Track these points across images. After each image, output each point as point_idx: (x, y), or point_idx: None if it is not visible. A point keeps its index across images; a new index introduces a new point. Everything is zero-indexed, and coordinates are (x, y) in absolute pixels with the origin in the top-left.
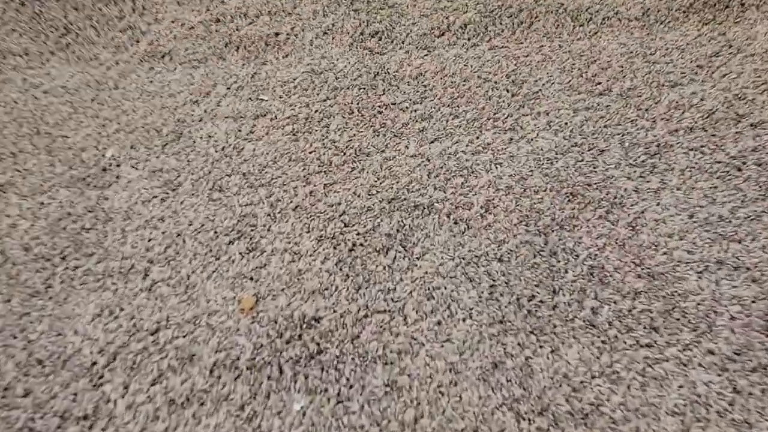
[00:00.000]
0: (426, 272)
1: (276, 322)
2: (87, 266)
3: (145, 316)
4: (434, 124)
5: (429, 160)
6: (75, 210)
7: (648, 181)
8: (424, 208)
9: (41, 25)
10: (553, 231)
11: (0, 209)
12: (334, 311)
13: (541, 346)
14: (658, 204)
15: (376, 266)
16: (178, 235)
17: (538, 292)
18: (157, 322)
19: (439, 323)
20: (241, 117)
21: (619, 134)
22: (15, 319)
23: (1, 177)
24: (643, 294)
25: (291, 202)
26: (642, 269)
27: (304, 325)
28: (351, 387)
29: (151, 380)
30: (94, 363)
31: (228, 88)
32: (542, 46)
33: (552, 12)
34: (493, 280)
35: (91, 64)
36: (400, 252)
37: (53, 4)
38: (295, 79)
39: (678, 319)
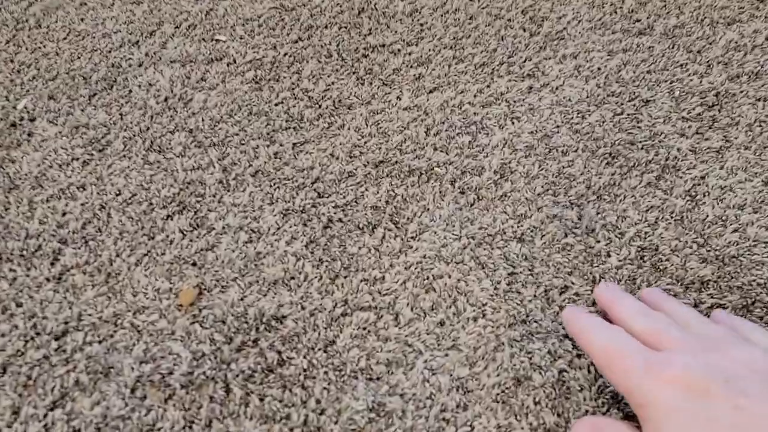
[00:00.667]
0: (424, 256)
1: (224, 323)
2: None
3: (50, 314)
4: (433, 69)
5: (427, 114)
6: None
7: (707, 139)
8: (422, 174)
9: None
10: (588, 202)
11: None
12: (302, 308)
13: (579, 356)
14: (722, 167)
15: (359, 248)
16: (102, 207)
17: (573, 283)
18: (65, 322)
19: (441, 324)
20: (191, 61)
21: (666, 81)
22: None
23: None
24: (712, 284)
25: (250, 165)
26: (708, 251)
27: (262, 327)
28: (322, 412)
29: (51, 403)
30: None
31: (177, 27)
32: None
33: None
34: (513, 267)
35: (10, 1)
36: (390, 230)
37: None
38: (260, 17)
39: (762, 317)
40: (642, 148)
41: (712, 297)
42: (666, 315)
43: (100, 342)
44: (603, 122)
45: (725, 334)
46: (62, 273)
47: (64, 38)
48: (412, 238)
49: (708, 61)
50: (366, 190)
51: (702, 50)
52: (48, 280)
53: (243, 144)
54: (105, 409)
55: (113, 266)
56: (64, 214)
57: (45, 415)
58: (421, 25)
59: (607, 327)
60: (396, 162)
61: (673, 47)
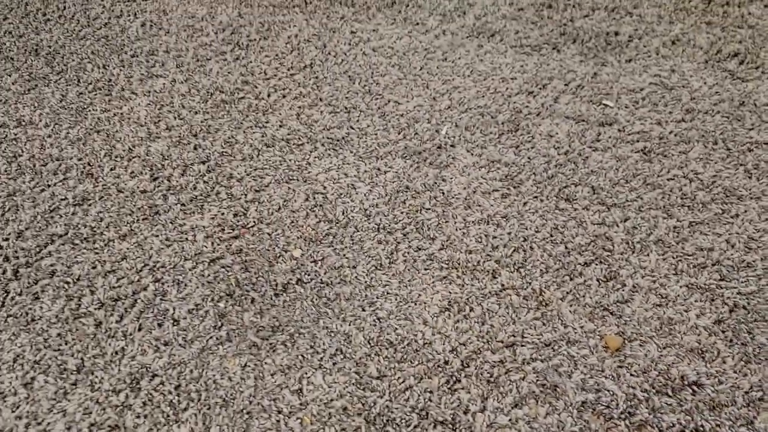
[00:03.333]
0: None
1: (648, 374)
2: (431, 250)
3: (497, 325)
4: None
5: None
6: (413, 185)
7: None
8: None
9: None
10: None
11: (338, 165)
12: (720, 382)
13: None
14: None
15: (766, 339)
16: (525, 240)
17: None
18: (512, 335)
19: None
20: (584, 120)
21: None
22: (362, 288)
23: (337, 131)
24: None
25: (651, 233)
26: None
27: (684, 389)
28: None
29: (512, 401)
30: (447, 362)
31: (566, 84)
32: None
33: None
34: None
35: (418, 29)
36: None
37: None
38: (642, 89)
39: None
40: None
41: None
42: None
43: (542, 360)
44: None
45: None
46: (501, 290)
47: (468, 75)
48: None
49: None
50: (766, 285)
51: None
52: (491, 294)
53: (642, 211)
54: (558, 421)
55: (543, 296)
56: (494, 238)
57: (508, 411)
58: None
59: None
60: None
61: None
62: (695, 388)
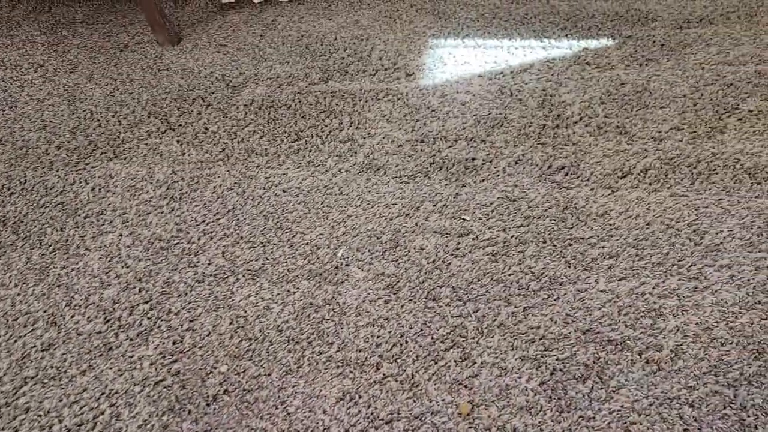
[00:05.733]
0: (622, 406)
1: (488, 430)
2: (329, 353)
3: (380, 406)
4: (621, 262)
5: (618, 297)
6: (315, 301)
7: None
8: (617, 344)
9: (276, 129)
10: (741, 386)
11: (256, 292)
12: (541, 430)
13: None
14: None
15: (575, 393)
16: (401, 336)
17: None
18: (391, 413)
19: None
20: (447, 233)
21: None
22: (275, 391)
23: (255, 263)
24: None
25: (495, 319)
26: None
27: None
28: None
29: None
30: None
31: (434, 205)
32: (720, 199)
33: (729, 167)
34: (687, 425)
35: (319, 170)
36: (597, 383)
37: (284, 112)
38: (492, 203)
39: None
40: None
41: None
42: None
43: (413, 430)
44: (752, 324)
45: None
46: (383, 379)
47: (359, 204)
48: (613, 391)
49: None
50: (577, 350)
51: None
52: (375, 382)
53: (489, 302)
54: None
55: (414, 379)
56: (377, 337)
57: None
58: (610, 225)
59: None
60: (598, 332)
61: None
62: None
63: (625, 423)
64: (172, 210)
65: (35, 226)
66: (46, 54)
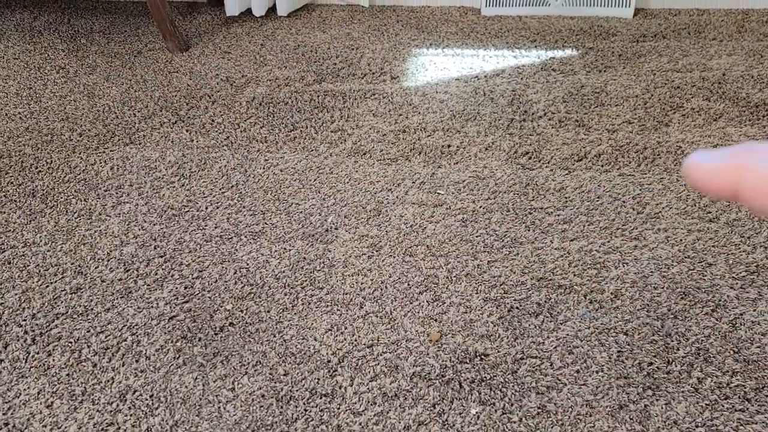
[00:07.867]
0: (567, 334)
1: (455, 353)
2: (320, 296)
3: (362, 335)
4: (573, 227)
5: (569, 254)
6: (308, 256)
7: (747, 292)
8: (566, 288)
9: (274, 122)
10: (668, 319)
11: (257, 249)
12: (499, 352)
13: (657, 399)
14: (755, 310)
15: (529, 324)
16: (382, 282)
17: (655, 360)
18: (371, 340)
19: (578, 372)
20: (424, 204)
21: (723, 254)
22: (273, 324)
23: (256, 227)
24: (739, 374)
25: (463, 270)
26: (739, 356)
27: (476, 358)
28: (512, 404)
29: (369, 378)
30: (329, 361)
31: (413, 182)
32: (662, 178)
33: (671, 153)
34: (621, 348)
35: (313, 154)
36: (547, 317)
37: (282, 107)
38: (463, 181)
39: (766, 396)
40: (704, 292)
41: (738, 380)
42: None
43: (390, 353)
44: (681, 273)
45: None
46: (366, 315)
47: (348, 182)
48: (561, 323)
49: (754, 244)
50: (532, 293)
51: (751, 237)
52: (358, 317)
53: (458, 257)
54: (398, 385)
55: (392, 315)
56: (361, 284)
57: (367, 384)
58: (566, 198)
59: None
60: (550, 279)
61: (731, 233)
62: (482, 356)
63: (569, 347)
64: (183, 185)
65: (62, 197)
66: (66, 58)
